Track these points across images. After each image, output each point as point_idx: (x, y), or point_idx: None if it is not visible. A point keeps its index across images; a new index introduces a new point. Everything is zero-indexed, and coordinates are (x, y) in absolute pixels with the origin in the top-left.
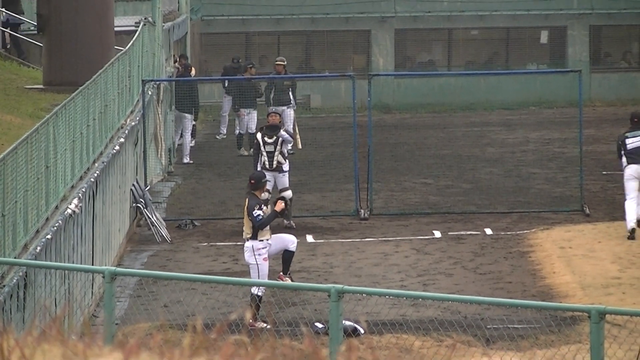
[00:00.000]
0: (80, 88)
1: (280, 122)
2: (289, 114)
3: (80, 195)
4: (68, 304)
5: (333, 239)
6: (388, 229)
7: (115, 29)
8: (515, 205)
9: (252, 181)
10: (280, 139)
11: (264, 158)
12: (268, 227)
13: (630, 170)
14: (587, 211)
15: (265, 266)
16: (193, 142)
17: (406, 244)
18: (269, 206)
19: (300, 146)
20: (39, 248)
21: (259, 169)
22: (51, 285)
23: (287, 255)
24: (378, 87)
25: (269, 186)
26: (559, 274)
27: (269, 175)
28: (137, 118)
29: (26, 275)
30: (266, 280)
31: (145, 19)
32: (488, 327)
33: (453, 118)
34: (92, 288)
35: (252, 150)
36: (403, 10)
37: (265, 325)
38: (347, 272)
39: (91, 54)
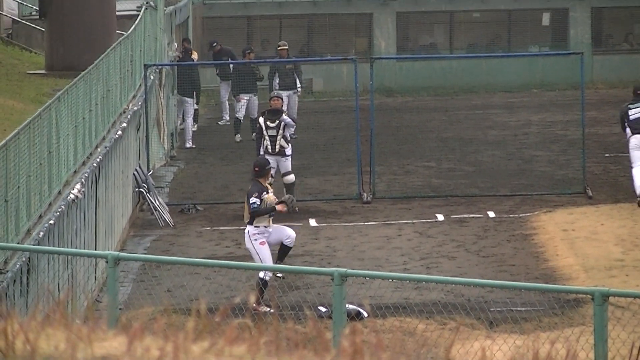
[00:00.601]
0: (83, 73)
1: (282, 105)
2: (294, 99)
3: (82, 180)
4: (71, 289)
5: (336, 223)
6: (391, 212)
7: (117, 13)
8: (518, 187)
9: (256, 168)
10: (282, 123)
11: (267, 142)
12: (267, 215)
13: (635, 139)
14: (590, 193)
15: (264, 250)
16: (195, 126)
17: (409, 227)
18: (270, 192)
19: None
20: (41, 233)
21: (261, 153)
22: (54, 271)
23: (282, 250)
24: (380, 70)
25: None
26: (562, 256)
27: (271, 160)
28: (140, 103)
29: (29, 261)
30: (269, 264)
31: (147, 3)
32: (491, 309)
33: (455, 101)
34: (96, 273)
35: (254, 134)
36: None
37: (268, 309)
38: (350, 256)
39: (93, 38)
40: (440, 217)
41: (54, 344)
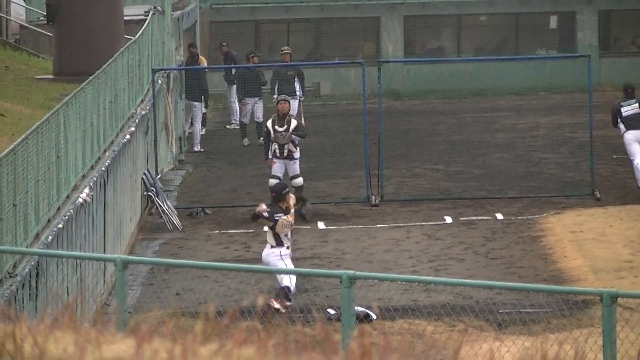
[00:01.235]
0: (90, 78)
1: (289, 109)
2: (294, 105)
3: (91, 184)
4: (80, 293)
5: (344, 226)
6: (399, 215)
7: (125, 18)
8: (526, 190)
9: (273, 194)
10: (291, 127)
11: (275, 147)
12: (289, 235)
13: (630, 135)
14: (598, 195)
15: (290, 264)
16: (203, 130)
17: (417, 230)
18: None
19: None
20: (50, 237)
21: (269, 157)
22: (63, 274)
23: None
24: (388, 73)
25: (279, 173)
26: (570, 258)
27: (279, 163)
28: (148, 107)
29: (38, 265)
30: (278, 267)
31: (154, 7)
32: (500, 311)
33: (463, 104)
34: (104, 277)
35: (261, 138)
36: None
37: (279, 308)
38: (359, 258)
39: (101, 43)
40: (449, 220)
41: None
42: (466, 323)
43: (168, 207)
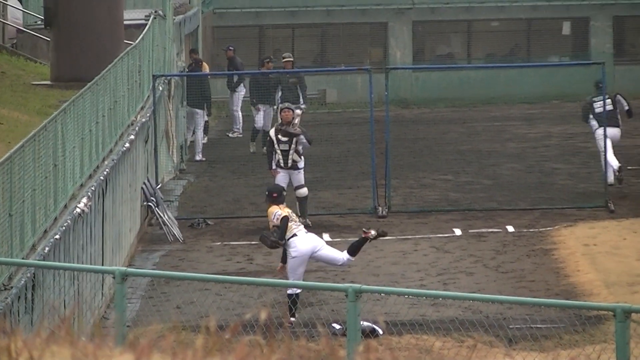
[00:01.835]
0: (89, 84)
1: (293, 118)
2: (296, 113)
3: (89, 194)
4: (77, 305)
5: (350, 237)
6: (407, 226)
7: (125, 22)
8: (538, 201)
9: (274, 195)
10: (295, 138)
11: (279, 156)
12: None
13: (602, 131)
14: (612, 207)
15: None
16: (205, 138)
17: (425, 242)
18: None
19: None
20: (47, 248)
21: (273, 167)
22: (60, 287)
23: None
24: (395, 81)
25: (283, 183)
26: (583, 271)
27: (284, 173)
28: (148, 114)
29: (34, 277)
30: (282, 281)
31: (155, 12)
32: (510, 327)
33: (473, 112)
34: (103, 289)
35: (264, 147)
36: (421, 2)
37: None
38: (365, 271)
39: (100, 48)
40: (458, 232)
41: None
42: (475, 338)
43: (169, 217)
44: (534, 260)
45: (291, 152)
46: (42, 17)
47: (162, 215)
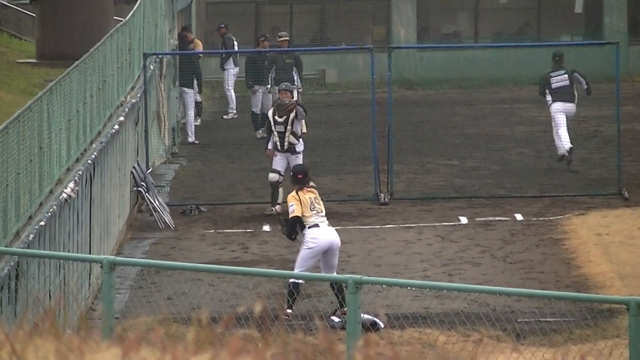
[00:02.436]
0: (77, 62)
1: (292, 98)
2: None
3: (76, 178)
4: (63, 296)
5: (350, 226)
6: (410, 214)
7: None
8: (548, 188)
9: (299, 176)
10: (291, 116)
11: (275, 138)
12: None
13: (557, 105)
14: (626, 195)
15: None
16: (199, 120)
17: (430, 231)
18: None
19: (305, 130)
20: (31, 236)
21: (269, 147)
22: (45, 276)
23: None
24: (399, 60)
25: (280, 167)
26: (595, 262)
27: (281, 157)
28: (138, 95)
29: (18, 265)
30: (278, 271)
31: None
32: (518, 320)
33: (480, 94)
34: (90, 279)
35: (261, 129)
36: None
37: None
38: (366, 262)
39: (88, 25)
40: (464, 220)
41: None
42: (482, 333)
43: (160, 203)
44: (543, 250)
45: (287, 133)
46: None
47: (152, 201)
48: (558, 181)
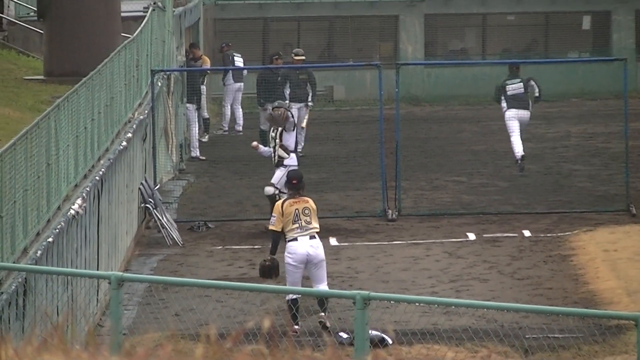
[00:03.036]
0: (84, 79)
1: (284, 114)
2: (304, 111)
3: (84, 194)
4: (71, 312)
5: (358, 242)
6: (418, 230)
7: (122, 14)
8: (556, 205)
9: (294, 181)
10: (279, 130)
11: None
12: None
13: (511, 113)
14: (634, 211)
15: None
16: (206, 137)
17: (437, 247)
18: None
19: (303, 125)
20: (39, 252)
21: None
22: (53, 292)
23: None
24: (406, 77)
25: (277, 181)
26: (603, 279)
27: (279, 170)
28: (146, 111)
29: (26, 282)
30: (286, 287)
31: (154, 3)
32: (526, 336)
33: (488, 110)
34: (98, 295)
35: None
36: None
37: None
38: (374, 278)
39: (96, 41)
40: (472, 237)
41: None
42: (490, 349)
43: (167, 220)
44: (551, 266)
45: (277, 147)
46: (35, 9)
47: (160, 217)
48: (566, 197)
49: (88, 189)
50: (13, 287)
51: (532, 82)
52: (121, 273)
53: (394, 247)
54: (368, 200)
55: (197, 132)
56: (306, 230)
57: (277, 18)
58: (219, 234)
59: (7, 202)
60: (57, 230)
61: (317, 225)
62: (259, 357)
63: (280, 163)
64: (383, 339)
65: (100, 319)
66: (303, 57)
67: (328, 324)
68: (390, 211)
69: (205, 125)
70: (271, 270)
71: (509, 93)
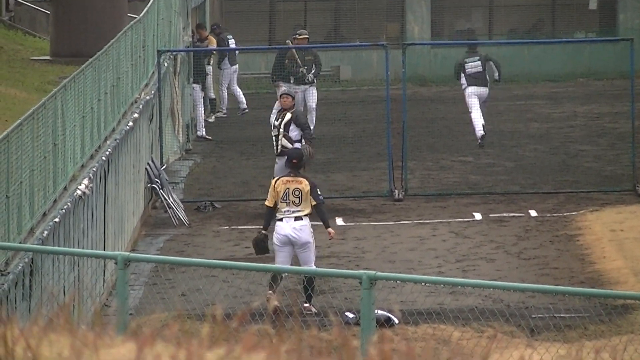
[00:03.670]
0: (91, 59)
1: (293, 104)
2: (312, 93)
3: (90, 175)
4: (77, 292)
5: (365, 222)
6: (424, 210)
7: None
8: (562, 185)
9: (294, 161)
10: (285, 118)
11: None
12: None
13: (471, 89)
14: None
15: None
16: (213, 117)
17: (444, 227)
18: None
19: (314, 105)
20: (46, 232)
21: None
22: (59, 272)
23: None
24: (413, 57)
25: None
26: (609, 258)
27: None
28: (152, 92)
29: (32, 262)
30: (292, 267)
31: None
32: (533, 316)
33: (494, 91)
34: (104, 275)
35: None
36: None
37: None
38: (380, 258)
39: (102, 22)
40: (478, 216)
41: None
42: (496, 328)
43: (174, 200)
44: (557, 246)
45: (280, 136)
46: None
47: (166, 197)
48: (572, 177)
49: (95, 169)
50: (20, 267)
51: (492, 63)
52: (128, 253)
53: (400, 227)
54: (375, 181)
55: (202, 112)
56: (292, 212)
57: None
58: (225, 214)
59: (14, 182)
60: (64, 211)
61: (306, 208)
62: (265, 336)
63: (282, 153)
64: (389, 319)
65: (107, 299)
66: (307, 37)
67: (314, 310)
68: (396, 191)
69: (211, 105)
70: (258, 244)
71: (468, 71)
